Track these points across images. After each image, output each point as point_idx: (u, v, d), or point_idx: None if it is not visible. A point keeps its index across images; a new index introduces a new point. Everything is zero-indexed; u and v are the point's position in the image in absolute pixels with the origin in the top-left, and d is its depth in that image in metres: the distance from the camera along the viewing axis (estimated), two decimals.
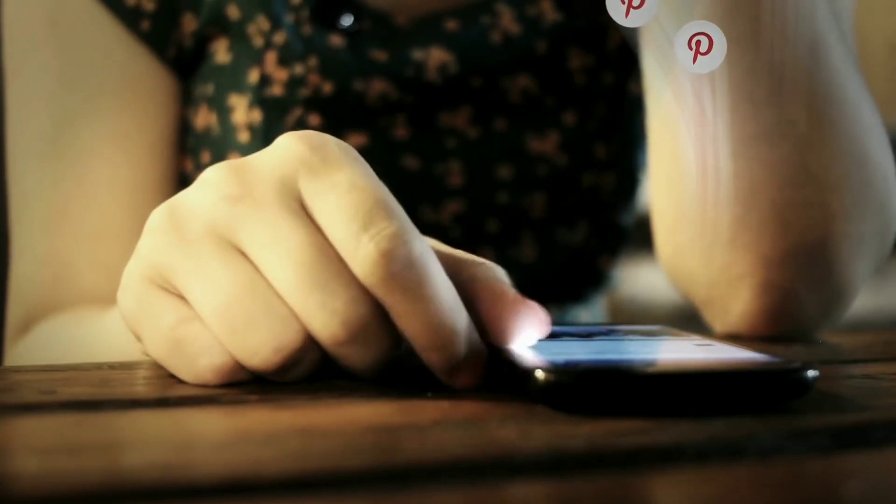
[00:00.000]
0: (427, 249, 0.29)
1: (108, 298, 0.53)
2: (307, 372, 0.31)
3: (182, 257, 0.30)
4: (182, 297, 0.31)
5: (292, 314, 0.29)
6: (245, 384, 0.31)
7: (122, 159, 0.56)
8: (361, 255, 0.28)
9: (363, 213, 0.29)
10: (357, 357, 0.30)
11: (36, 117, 0.56)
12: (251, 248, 0.30)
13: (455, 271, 0.31)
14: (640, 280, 1.60)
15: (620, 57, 0.59)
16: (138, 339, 0.32)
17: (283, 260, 0.29)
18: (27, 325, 0.56)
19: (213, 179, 0.31)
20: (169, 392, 0.30)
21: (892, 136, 0.52)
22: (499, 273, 0.32)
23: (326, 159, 0.30)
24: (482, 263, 0.32)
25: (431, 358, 0.30)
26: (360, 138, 0.56)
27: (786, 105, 0.47)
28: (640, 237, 0.62)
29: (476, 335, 0.30)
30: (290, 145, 0.31)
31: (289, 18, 0.55)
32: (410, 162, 0.57)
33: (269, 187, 0.30)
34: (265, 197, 0.30)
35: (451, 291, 0.29)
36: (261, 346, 0.29)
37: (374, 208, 0.29)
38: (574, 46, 0.58)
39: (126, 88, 0.56)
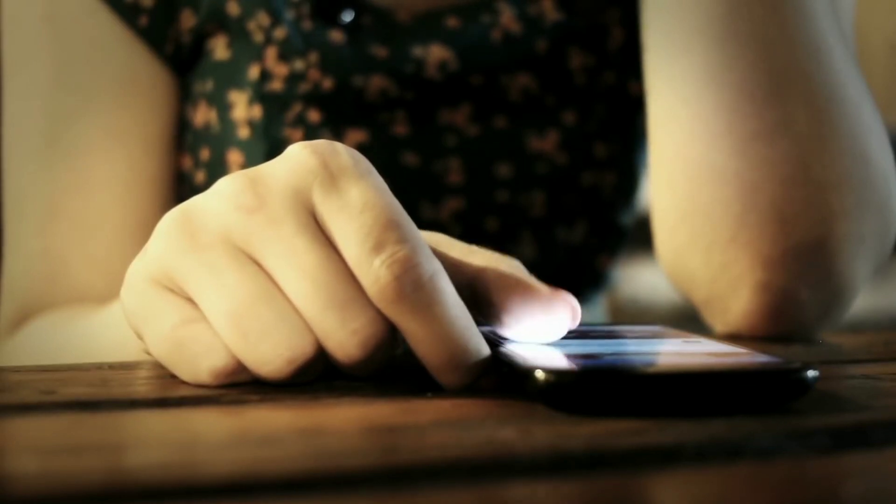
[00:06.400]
0: (438, 270, 0.29)
1: (102, 295, 0.53)
2: (309, 379, 0.31)
3: (195, 262, 0.30)
4: (187, 300, 0.31)
5: (306, 326, 0.29)
6: (245, 384, 0.31)
7: (118, 156, 0.55)
8: (373, 278, 0.29)
9: (375, 234, 0.29)
10: (365, 370, 0.30)
11: (32, 113, 0.56)
12: (266, 260, 0.30)
13: (474, 276, 0.31)
14: (640, 280, 1.60)
15: (621, 57, 0.59)
16: (140, 337, 0.32)
17: (299, 275, 0.29)
18: (20, 322, 0.56)
19: (227, 189, 0.31)
20: (169, 392, 0.30)
21: (892, 135, 0.52)
22: (519, 269, 0.32)
23: (339, 174, 0.30)
24: (503, 260, 0.32)
25: (443, 378, 0.30)
26: (360, 135, 0.56)
27: (787, 104, 0.47)
28: (640, 237, 0.62)
29: (486, 347, 0.30)
30: (302, 157, 0.31)
31: (289, 14, 0.55)
32: (410, 159, 0.57)
33: (283, 201, 0.30)
34: (280, 211, 0.30)
35: (463, 311, 0.30)
36: (274, 356, 0.29)
37: (386, 230, 0.29)
38: (575, 46, 0.58)
39: (123, 85, 0.56)
